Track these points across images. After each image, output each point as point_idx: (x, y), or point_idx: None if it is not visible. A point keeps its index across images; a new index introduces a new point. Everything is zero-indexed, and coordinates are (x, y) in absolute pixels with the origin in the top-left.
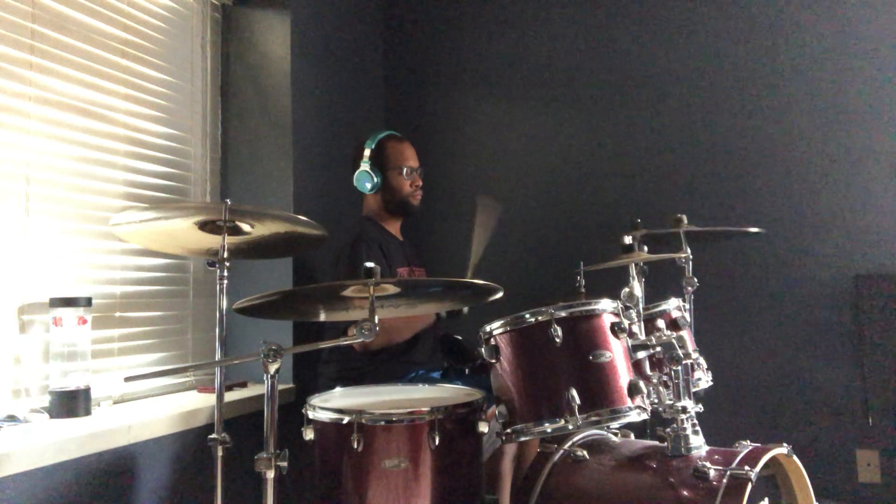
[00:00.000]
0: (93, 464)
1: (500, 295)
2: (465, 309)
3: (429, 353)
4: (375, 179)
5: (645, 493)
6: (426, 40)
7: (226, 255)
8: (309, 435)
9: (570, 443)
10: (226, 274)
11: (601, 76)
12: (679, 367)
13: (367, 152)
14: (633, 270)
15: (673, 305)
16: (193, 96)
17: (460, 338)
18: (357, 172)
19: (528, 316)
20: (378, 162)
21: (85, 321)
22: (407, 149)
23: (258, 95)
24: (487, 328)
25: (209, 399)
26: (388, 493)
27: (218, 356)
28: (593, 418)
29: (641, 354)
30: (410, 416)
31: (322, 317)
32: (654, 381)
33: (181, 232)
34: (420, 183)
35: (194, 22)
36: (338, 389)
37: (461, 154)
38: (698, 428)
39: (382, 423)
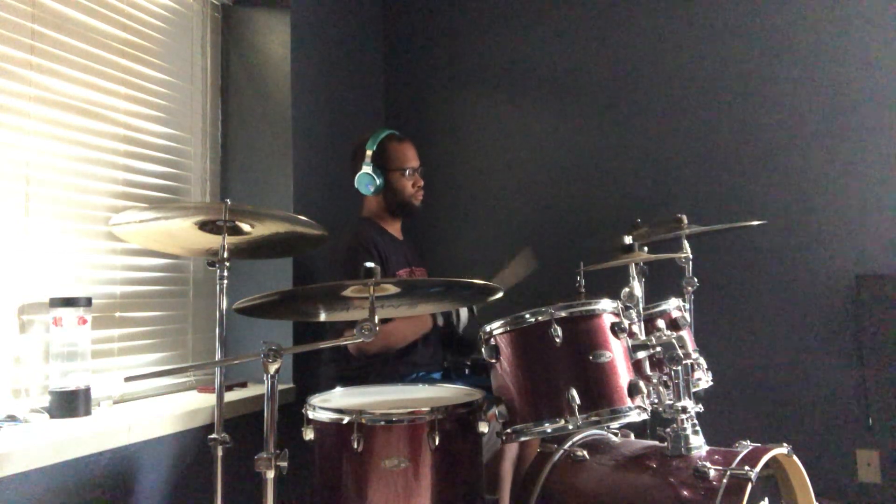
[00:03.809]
0: (93, 464)
1: (500, 295)
2: (464, 316)
3: (430, 354)
4: (378, 182)
5: (645, 493)
6: (426, 40)
7: (226, 255)
8: (309, 435)
9: (570, 443)
10: (226, 274)
11: (601, 76)
12: (679, 367)
13: (368, 153)
14: (633, 270)
15: (673, 305)
16: (193, 96)
17: (462, 334)
18: (358, 175)
19: (528, 316)
20: (380, 164)
21: (85, 321)
22: (408, 149)
23: (258, 95)
24: (487, 328)
25: (209, 399)
26: (388, 493)
27: (218, 356)
28: (593, 418)
29: (641, 354)
30: (410, 416)
31: (322, 317)
32: (654, 381)
33: (181, 232)
34: (422, 183)
35: (194, 22)
36: (338, 389)
37: (461, 154)
38: (698, 428)
39: (382, 423)
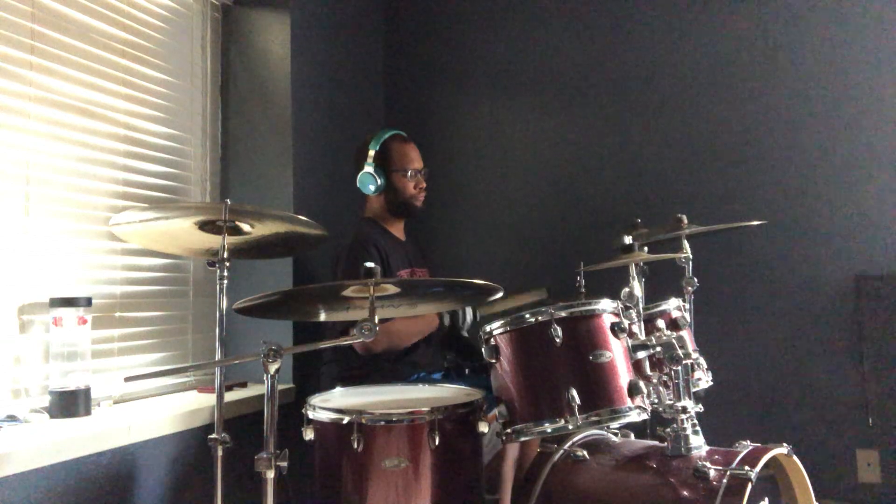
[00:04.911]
0: (93, 464)
1: (500, 295)
2: (469, 316)
3: (431, 355)
4: (379, 181)
5: (645, 493)
6: (427, 40)
7: (226, 255)
8: (309, 435)
9: (570, 443)
10: (226, 274)
11: (601, 76)
12: (679, 367)
13: (371, 153)
14: (633, 270)
15: (673, 305)
16: (193, 96)
17: (467, 335)
18: (360, 174)
19: (528, 316)
20: (382, 163)
21: (85, 321)
22: (411, 150)
23: (258, 95)
24: (487, 328)
25: (209, 399)
26: (388, 493)
27: (218, 356)
28: (593, 418)
29: (641, 354)
30: (410, 416)
31: (322, 317)
32: (654, 381)
33: (181, 232)
34: (424, 184)
35: (194, 22)
36: (338, 389)
37: (461, 154)
38: (698, 428)
39: (382, 423)
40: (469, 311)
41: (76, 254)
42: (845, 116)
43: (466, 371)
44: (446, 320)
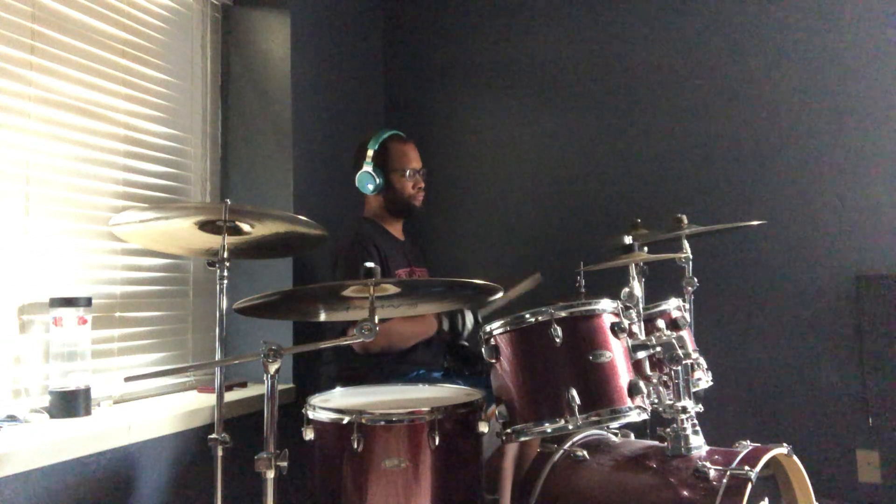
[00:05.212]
0: (93, 464)
1: (500, 295)
2: (469, 321)
3: (430, 354)
4: (378, 181)
5: (645, 493)
6: (426, 40)
7: (226, 255)
8: (309, 435)
9: (570, 443)
10: (226, 274)
11: (601, 75)
12: (679, 367)
13: (369, 153)
14: (633, 270)
15: (673, 305)
16: (193, 96)
17: (467, 344)
18: (359, 173)
19: (528, 316)
20: (381, 163)
21: (85, 321)
22: (410, 150)
23: (258, 95)
24: (487, 328)
25: (209, 399)
26: (388, 494)
27: (218, 356)
28: (593, 418)
29: (641, 354)
30: (410, 416)
31: (322, 317)
32: (654, 381)
33: (181, 232)
34: (422, 184)
35: (194, 22)
36: (338, 389)
37: (461, 154)
38: (698, 428)
39: (382, 423)
40: (469, 316)
41: (76, 254)
42: (845, 116)
43: (466, 371)
44: (445, 325)
